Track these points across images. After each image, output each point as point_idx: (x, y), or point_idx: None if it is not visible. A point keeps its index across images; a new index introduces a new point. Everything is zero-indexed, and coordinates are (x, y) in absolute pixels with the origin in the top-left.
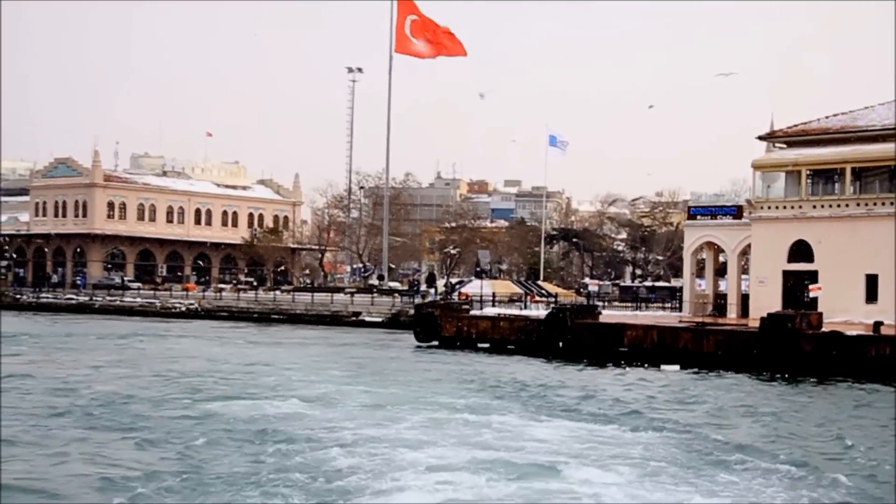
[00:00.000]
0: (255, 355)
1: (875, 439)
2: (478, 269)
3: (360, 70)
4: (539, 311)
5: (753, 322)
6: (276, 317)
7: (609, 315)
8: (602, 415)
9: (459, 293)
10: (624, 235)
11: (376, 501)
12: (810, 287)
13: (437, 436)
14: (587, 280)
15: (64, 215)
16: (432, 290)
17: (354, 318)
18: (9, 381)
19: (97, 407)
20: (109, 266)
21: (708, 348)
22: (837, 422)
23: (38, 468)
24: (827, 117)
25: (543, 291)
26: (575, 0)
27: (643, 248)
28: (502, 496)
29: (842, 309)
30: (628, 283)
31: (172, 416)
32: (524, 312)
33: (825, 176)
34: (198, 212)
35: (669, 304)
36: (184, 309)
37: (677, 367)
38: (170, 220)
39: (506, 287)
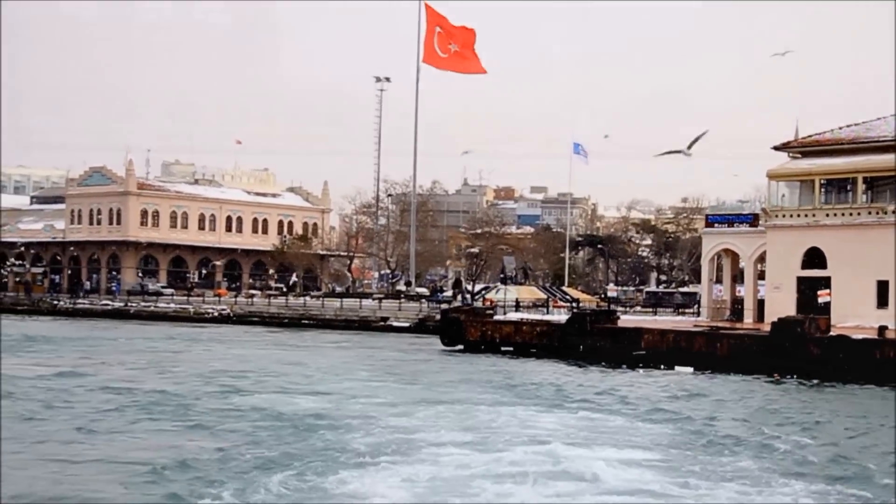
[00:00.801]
0: (287, 357)
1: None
2: (502, 275)
3: (388, 80)
4: (561, 316)
5: (767, 327)
6: (306, 322)
7: (628, 319)
8: (607, 406)
9: (484, 299)
10: (649, 242)
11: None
12: (819, 293)
13: (451, 422)
14: (609, 286)
15: (99, 223)
16: (458, 296)
17: (382, 323)
18: (71, 379)
19: (154, 402)
20: (142, 273)
21: (721, 351)
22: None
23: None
24: (840, 128)
25: (567, 297)
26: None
27: (667, 254)
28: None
29: (854, 314)
30: (653, 288)
31: (220, 407)
32: (546, 317)
33: (838, 185)
34: (229, 219)
35: (690, 310)
36: (216, 314)
37: (691, 370)
38: (201, 228)
39: (531, 293)
